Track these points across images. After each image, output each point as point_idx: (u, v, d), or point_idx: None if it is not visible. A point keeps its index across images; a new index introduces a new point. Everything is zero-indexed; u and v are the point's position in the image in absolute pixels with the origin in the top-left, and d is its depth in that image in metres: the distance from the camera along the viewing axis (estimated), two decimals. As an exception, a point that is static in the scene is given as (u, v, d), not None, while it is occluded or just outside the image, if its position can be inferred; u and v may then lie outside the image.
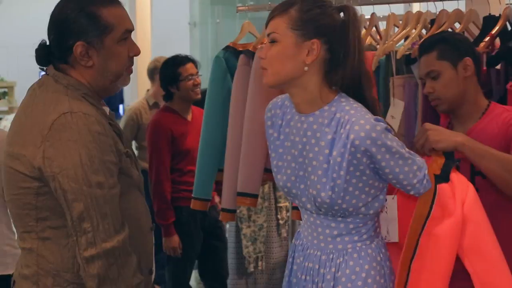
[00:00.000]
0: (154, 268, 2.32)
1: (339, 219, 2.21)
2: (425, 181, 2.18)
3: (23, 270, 2.19)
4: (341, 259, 2.22)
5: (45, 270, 2.14)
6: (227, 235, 4.71)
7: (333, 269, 2.21)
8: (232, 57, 3.50)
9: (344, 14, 2.17)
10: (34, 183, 2.09)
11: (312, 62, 2.14)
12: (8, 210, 2.29)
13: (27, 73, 13.22)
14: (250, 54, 3.46)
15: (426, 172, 2.19)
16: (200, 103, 4.37)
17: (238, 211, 4.38)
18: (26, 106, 2.20)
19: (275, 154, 2.35)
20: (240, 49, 3.54)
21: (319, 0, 2.17)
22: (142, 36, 8.04)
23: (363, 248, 2.22)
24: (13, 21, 13.21)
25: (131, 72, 2.30)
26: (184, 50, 12.34)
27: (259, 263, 4.50)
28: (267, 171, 3.45)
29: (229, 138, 3.45)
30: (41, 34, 2.28)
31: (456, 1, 3.18)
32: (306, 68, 2.14)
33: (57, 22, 2.18)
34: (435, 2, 3.16)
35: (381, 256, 2.25)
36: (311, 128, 2.20)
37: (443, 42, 2.61)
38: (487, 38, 2.84)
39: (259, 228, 4.45)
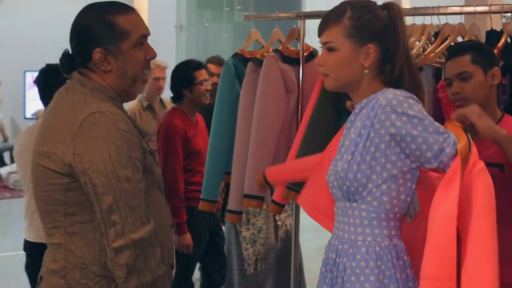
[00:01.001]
0: (174, 263, 2.42)
1: (354, 204, 2.29)
2: (452, 155, 2.15)
3: (51, 265, 2.28)
4: (351, 250, 2.30)
5: (73, 264, 2.23)
6: (226, 237, 4.81)
7: (344, 259, 2.30)
8: (240, 64, 3.63)
9: (389, 12, 2.30)
10: (64, 179, 2.19)
11: (370, 64, 2.28)
12: (37, 208, 2.37)
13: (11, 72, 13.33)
14: (258, 62, 3.59)
15: (456, 149, 2.15)
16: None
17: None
18: (54, 108, 2.31)
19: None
20: (248, 56, 3.66)
21: (366, 4, 2.31)
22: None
23: (372, 244, 2.28)
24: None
25: (146, 80, 2.42)
26: (170, 53, 12.44)
27: (259, 264, 4.60)
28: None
29: (237, 141, 3.57)
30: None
31: (459, 15, 3.30)
32: (366, 71, 2.29)
33: (77, 31, 2.31)
34: (439, 16, 3.28)
35: (390, 257, 2.27)
36: (355, 114, 2.34)
37: (476, 49, 2.73)
38: (494, 51, 2.96)
39: (258, 231, 4.55)
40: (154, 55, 2.37)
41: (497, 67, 2.72)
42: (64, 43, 2.44)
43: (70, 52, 2.35)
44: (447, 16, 3.30)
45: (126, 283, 2.14)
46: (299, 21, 3.67)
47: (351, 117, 2.37)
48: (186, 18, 13.79)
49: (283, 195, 3.35)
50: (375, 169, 2.24)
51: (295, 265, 3.85)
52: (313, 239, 6.64)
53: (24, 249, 4.02)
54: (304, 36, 3.67)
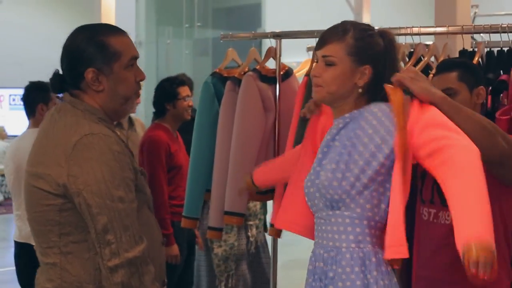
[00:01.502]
0: (166, 280, 2.46)
1: (338, 212, 2.36)
2: None
3: (46, 285, 2.30)
4: (339, 256, 2.35)
5: (69, 283, 2.25)
6: (196, 252, 4.84)
7: (334, 266, 2.36)
8: (218, 82, 3.68)
9: (384, 39, 2.40)
10: (58, 200, 2.22)
11: (363, 84, 2.37)
12: (30, 228, 2.38)
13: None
14: (236, 81, 3.65)
15: None
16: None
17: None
18: (46, 129, 2.34)
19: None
20: (225, 75, 3.72)
21: (366, 27, 2.41)
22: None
23: (356, 250, 2.34)
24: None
25: (138, 96, 2.46)
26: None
27: (230, 280, 4.63)
28: (253, 192, 3.63)
29: (217, 159, 3.61)
30: None
31: (433, 35, 3.40)
32: (360, 90, 2.37)
33: (69, 51, 2.34)
34: (413, 36, 3.38)
35: (374, 261, 2.33)
36: (337, 128, 2.41)
37: (464, 66, 2.78)
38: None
39: (230, 247, 4.58)
40: (143, 77, 2.41)
41: (482, 87, 2.77)
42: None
43: (61, 72, 2.37)
44: (415, 35, 3.41)
45: None
46: (276, 40, 3.74)
47: (332, 130, 2.43)
48: (145, 34, 13.81)
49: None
50: (358, 177, 2.32)
51: (274, 280, 3.90)
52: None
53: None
54: (280, 55, 3.74)
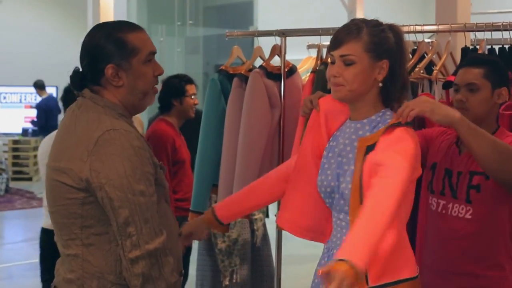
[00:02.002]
0: (183, 270, 2.52)
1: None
2: None
3: (67, 275, 2.36)
4: None
5: (90, 273, 2.32)
6: (198, 249, 4.88)
7: None
8: (224, 79, 3.76)
9: (394, 33, 2.45)
10: (81, 194, 2.28)
11: (382, 79, 2.42)
12: (52, 221, 2.45)
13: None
14: (243, 77, 3.72)
15: None
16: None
17: (211, 227, 4.58)
18: (68, 125, 2.40)
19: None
20: (231, 72, 3.79)
21: (377, 23, 2.45)
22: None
23: None
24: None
25: (156, 91, 2.52)
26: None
27: (234, 276, 4.69)
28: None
29: (224, 155, 3.69)
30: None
31: (435, 33, 3.49)
32: (380, 85, 2.42)
33: (88, 48, 2.41)
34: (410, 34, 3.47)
35: None
36: (356, 132, 2.46)
37: (492, 65, 2.82)
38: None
39: (234, 243, 4.63)
40: (161, 72, 2.47)
41: (505, 88, 2.79)
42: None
43: (81, 69, 2.44)
44: (418, 33, 3.50)
45: None
46: (281, 38, 3.82)
47: (345, 129, 2.49)
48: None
49: None
50: None
51: (278, 273, 3.97)
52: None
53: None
54: (285, 52, 3.81)
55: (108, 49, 2.36)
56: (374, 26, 2.43)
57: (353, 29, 2.41)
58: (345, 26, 2.45)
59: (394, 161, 2.23)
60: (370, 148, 2.38)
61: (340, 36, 2.42)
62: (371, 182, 2.23)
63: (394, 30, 2.46)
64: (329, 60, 2.49)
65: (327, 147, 2.56)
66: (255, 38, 3.99)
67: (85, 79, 2.43)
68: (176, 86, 4.73)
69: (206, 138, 3.76)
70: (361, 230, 2.10)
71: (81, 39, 2.46)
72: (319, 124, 2.63)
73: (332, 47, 2.44)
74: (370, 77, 2.41)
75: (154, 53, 2.44)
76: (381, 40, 2.40)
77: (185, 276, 4.92)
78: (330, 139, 2.57)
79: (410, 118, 2.40)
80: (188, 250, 4.86)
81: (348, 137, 2.48)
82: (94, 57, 2.38)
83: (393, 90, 2.45)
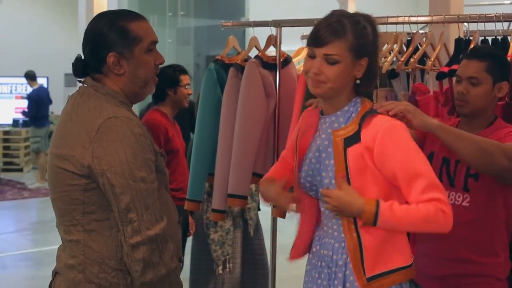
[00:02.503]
0: (182, 257, 2.57)
1: None
2: None
3: (68, 261, 2.39)
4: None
5: (91, 259, 2.35)
6: (193, 239, 4.93)
7: (344, 256, 2.47)
8: (220, 69, 3.79)
9: (371, 28, 2.46)
10: (82, 180, 2.31)
11: (361, 76, 2.45)
12: (54, 207, 2.48)
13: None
14: (239, 67, 3.75)
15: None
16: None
17: (204, 217, 4.63)
18: (70, 113, 2.42)
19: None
20: (227, 62, 3.82)
21: (359, 18, 2.44)
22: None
23: None
24: None
25: (156, 80, 2.55)
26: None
27: (227, 265, 4.74)
28: (254, 175, 3.75)
29: (220, 143, 3.72)
30: None
31: (430, 24, 3.53)
32: (358, 81, 2.45)
33: (91, 36, 2.44)
34: (410, 25, 3.51)
35: None
36: (332, 125, 2.49)
37: (495, 59, 2.84)
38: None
39: (226, 232, 4.68)
40: (162, 61, 2.52)
41: (506, 82, 2.83)
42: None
43: (83, 57, 2.46)
44: (412, 24, 3.54)
45: (143, 276, 2.26)
46: (276, 28, 3.85)
47: (321, 125, 2.53)
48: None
49: None
50: None
51: (273, 262, 4.02)
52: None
53: None
54: (280, 42, 3.85)
55: (110, 38, 2.38)
56: (356, 23, 2.42)
57: (338, 28, 2.39)
58: (327, 23, 2.41)
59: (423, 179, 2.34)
60: (349, 140, 2.41)
61: (325, 35, 2.39)
62: (423, 200, 2.33)
63: (372, 24, 2.46)
64: (307, 52, 2.47)
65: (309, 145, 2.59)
66: (247, 29, 4.02)
67: (87, 67, 2.45)
68: (171, 76, 4.76)
69: (202, 127, 3.79)
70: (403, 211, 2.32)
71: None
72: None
73: (314, 43, 2.42)
74: (350, 74, 2.44)
75: (155, 42, 2.47)
76: (363, 39, 2.42)
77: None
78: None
79: (393, 113, 2.45)
80: (183, 239, 4.90)
81: (324, 131, 2.51)
82: (96, 45, 2.41)
83: (368, 84, 2.50)
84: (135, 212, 2.26)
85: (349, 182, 2.40)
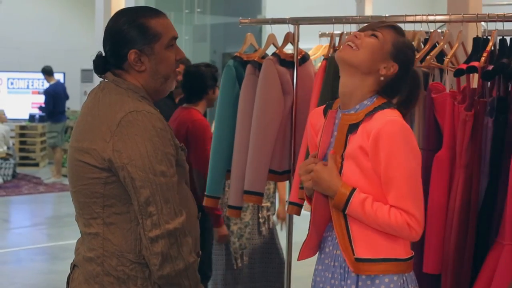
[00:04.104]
0: (200, 252, 2.56)
1: None
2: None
3: (87, 254, 2.42)
4: None
5: (110, 252, 2.37)
6: (210, 233, 4.95)
7: None
8: (239, 66, 3.81)
9: (412, 52, 2.57)
10: (103, 174, 2.34)
11: (384, 76, 2.49)
12: (74, 200, 2.50)
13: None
14: (256, 64, 3.77)
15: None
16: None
17: (224, 209, 4.64)
18: (91, 107, 2.45)
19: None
20: (245, 59, 3.84)
21: (407, 43, 2.56)
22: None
23: None
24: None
25: (177, 75, 2.56)
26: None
27: (244, 258, 4.77)
28: (270, 172, 3.76)
29: (237, 140, 3.74)
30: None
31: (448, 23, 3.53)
32: (382, 78, 2.49)
33: (112, 34, 2.46)
34: (428, 24, 3.51)
35: None
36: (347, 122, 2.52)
37: None
38: (485, 54, 3.18)
39: (245, 225, 4.72)
40: (183, 56, 2.52)
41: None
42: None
43: (103, 54, 2.49)
44: (430, 22, 3.54)
45: (161, 270, 2.28)
46: (293, 26, 3.86)
47: (335, 120, 2.56)
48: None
49: (299, 195, 3.53)
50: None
51: (289, 261, 4.04)
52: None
53: None
54: (298, 40, 3.86)
55: (131, 35, 2.40)
56: (398, 32, 2.55)
57: (398, 28, 2.55)
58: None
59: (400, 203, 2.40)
60: (352, 127, 2.46)
61: (384, 23, 2.57)
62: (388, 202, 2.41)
63: (413, 53, 2.59)
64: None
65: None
66: (263, 27, 4.04)
67: (107, 63, 2.48)
68: (214, 76, 4.62)
69: (221, 124, 3.80)
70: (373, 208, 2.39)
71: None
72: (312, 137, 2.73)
73: (367, 27, 2.54)
74: (377, 63, 2.48)
75: (175, 38, 2.48)
76: (401, 47, 2.51)
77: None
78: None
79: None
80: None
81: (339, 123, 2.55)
82: (117, 42, 2.43)
83: (389, 92, 2.52)
84: (154, 206, 2.28)
85: (341, 168, 2.46)
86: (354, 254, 2.45)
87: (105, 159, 2.32)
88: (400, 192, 2.38)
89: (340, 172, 2.46)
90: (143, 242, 2.31)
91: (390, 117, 2.42)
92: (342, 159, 2.47)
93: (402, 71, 2.51)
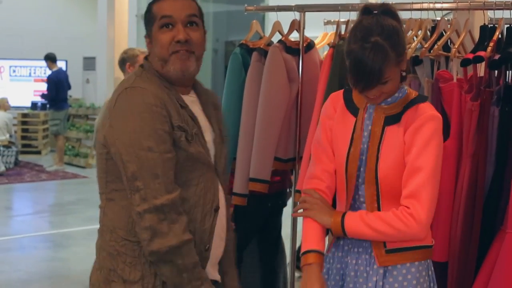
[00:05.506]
0: (211, 246, 2.47)
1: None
2: None
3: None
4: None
5: (106, 226, 2.45)
6: None
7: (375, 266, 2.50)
8: (245, 53, 3.79)
9: (396, 21, 2.43)
10: (105, 150, 2.40)
11: (404, 70, 2.47)
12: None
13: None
14: (262, 52, 3.76)
15: None
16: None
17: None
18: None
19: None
20: (251, 46, 3.82)
21: (390, 26, 2.38)
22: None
23: None
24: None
25: (179, 57, 2.41)
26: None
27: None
28: (276, 159, 3.76)
29: (242, 128, 3.73)
30: None
31: (455, 11, 3.51)
32: (403, 73, 2.47)
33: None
34: (435, 12, 3.49)
35: None
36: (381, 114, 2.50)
37: None
38: (491, 44, 3.17)
39: None
40: (181, 38, 2.40)
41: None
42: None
43: None
44: (437, 10, 3.52)
45: (150, 245, 2.28)
46: (299, 13, 3.85)
47: (369, 109, 2.52)
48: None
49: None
50: None
51: (293, 256, 4.04)
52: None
53: None
54: (304, 27, 3.84)
55: (145, 21, 2.48)
56: (390, 35, 2.36)
57: (381, 55, 2.33)
58: (370, 53, 2.32)
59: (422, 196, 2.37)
60: (390, 119, 2.45)
61: (377, 73, 2.34)
62: (401, 204, 2.40)
63: (396, 17, 2.44)
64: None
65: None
66: (266, 14, 4.02)
67: None
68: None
69: (227, 111, 3.77)
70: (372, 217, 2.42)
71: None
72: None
73: (368, 85, 2.38)
74: (399, 74, 2.44)
75: (165, 16, 2.41)
76: (399, 45, 2.38)
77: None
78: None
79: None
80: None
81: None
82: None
83: (405, 68, 2.50)
84: (141, 180, 2.28)
85: (377, 159, 2.44)
86: (385, 247, 2.47)
87: (104, 136, 2.38)
88: (421, 182, 2.36)
89: (376, 164, 2.45)
90: (133, 217, 2.33)
91: (432, 111, 2.43)
92: (379, 151, 2.45)
93: (404, 45, 2.45)
